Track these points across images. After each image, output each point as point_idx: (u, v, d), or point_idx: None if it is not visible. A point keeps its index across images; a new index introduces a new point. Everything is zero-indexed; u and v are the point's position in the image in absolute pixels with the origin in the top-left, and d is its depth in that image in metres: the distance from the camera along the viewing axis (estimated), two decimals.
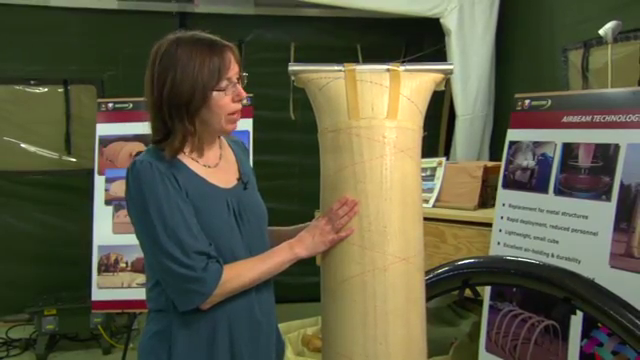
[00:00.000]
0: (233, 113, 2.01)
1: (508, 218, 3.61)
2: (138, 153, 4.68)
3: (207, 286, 1.88)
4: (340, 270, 1.99)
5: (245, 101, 2.06)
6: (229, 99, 1.98)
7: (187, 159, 2.01)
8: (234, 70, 1.99)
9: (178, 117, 1.94)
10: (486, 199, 4.32)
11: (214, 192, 2.02)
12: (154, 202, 1.88)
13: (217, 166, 2.09)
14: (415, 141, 2.04)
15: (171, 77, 1.92)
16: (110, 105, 4.85)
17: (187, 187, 1.94)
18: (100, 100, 5.10)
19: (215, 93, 1.94)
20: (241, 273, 1.95)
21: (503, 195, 3.68)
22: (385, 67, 2.07)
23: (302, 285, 5.86)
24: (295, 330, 4.89)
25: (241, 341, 2.02)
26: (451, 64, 2.20)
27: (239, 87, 2.00)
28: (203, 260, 1.88)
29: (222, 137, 2.17)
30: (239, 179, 2.14)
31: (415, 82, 2.07)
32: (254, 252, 2.05)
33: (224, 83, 1.95)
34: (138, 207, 1.92)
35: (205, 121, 1.98)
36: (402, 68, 2.08)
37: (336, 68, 2.08)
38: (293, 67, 2.14)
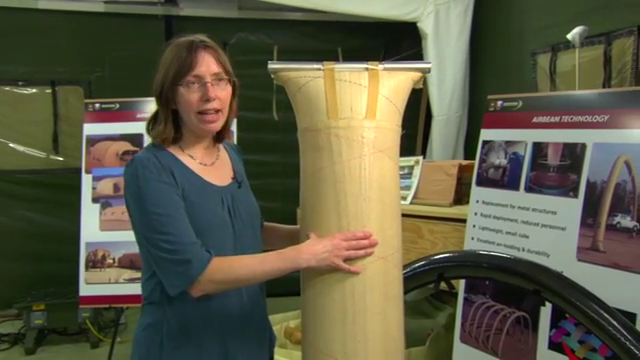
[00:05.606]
0: (203, 113, 1.99)
1: (481, 214, 3.69)
2: (125, 152, 4.77)
3: (194, 269, 1.85)
4: (319, 269, 1.97)
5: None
6: (196, 97, 1.97)
7: (184, 156, 2.04)
8: (207, 69, 1.98)
9: (160, 105, 2.03)
10: (461, 196, 4.41)
11: (209, 188, 2.04)
12: (151, 192, 1.90)
13: (213, 165, 2.11)
14: (393, 140, 2.03)
15: (156, 71, 2.03)
16: (97, 105, 4.87)
17: (183, 183, 1.96)
18: (87, 101, 5.14)
19: (181, 88, 1.97)
20: (233, 266, 1.92)
21: (477, 192, 3.76)
22: (364, 66, 2.04)
23: (285, 279, 5.95)
24: (278, 323, 4.93)
25: (232, 336, 2.03)
26: (429, 62, 2.18)
27: (209, 87, 1.97)
28: (194, 245, 1.88)
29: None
30: (234, 178, 2.16)
31: (394, 81, 2.05)
32: (245, 249, 2.03)
33: (190, 79, 1.96)
34: (135, 198, 1.93)
35: (182, 117, 2.03)
36: (381, 67, 2.05)
37: (315, 66, 2.05)
38: (273, 65, 2.11)
